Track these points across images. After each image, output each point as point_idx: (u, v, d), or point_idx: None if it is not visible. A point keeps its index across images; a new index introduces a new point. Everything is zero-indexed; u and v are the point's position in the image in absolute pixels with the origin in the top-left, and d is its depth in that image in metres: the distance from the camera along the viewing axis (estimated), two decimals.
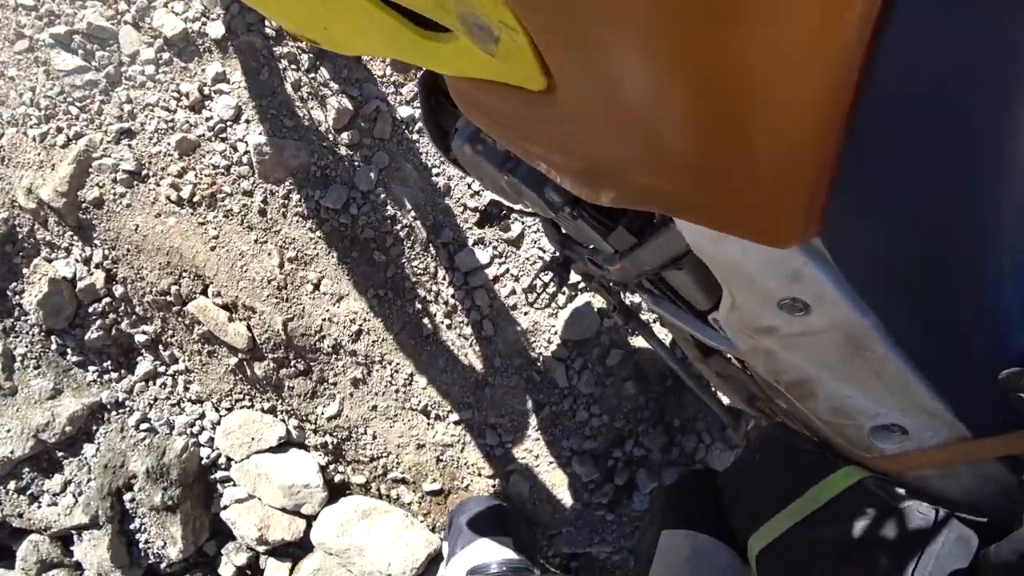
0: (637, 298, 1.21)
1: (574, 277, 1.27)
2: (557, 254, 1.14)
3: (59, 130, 1.27)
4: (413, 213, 1.26)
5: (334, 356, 1.34)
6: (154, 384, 1.45)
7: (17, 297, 1.38)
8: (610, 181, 0.49)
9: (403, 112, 1.28)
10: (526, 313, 1.33)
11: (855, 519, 0.62)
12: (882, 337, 0.48)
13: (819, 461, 0.70)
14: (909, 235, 0.41)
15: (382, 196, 1.25)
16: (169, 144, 1.26)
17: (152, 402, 1.47)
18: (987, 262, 0.42)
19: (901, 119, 0.33)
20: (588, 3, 0.34)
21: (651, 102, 0.37)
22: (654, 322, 1.20)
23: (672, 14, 0.31)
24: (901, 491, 0.62)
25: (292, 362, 1.36)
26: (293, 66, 1.27)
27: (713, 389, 1.13)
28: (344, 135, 1.25)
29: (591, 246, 0.90)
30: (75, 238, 1.32)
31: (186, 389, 1.45)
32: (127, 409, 1.47)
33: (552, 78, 0.42)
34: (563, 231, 1.00)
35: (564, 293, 1.32)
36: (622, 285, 1.00)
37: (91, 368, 1.44)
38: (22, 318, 1.40)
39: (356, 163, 1.26)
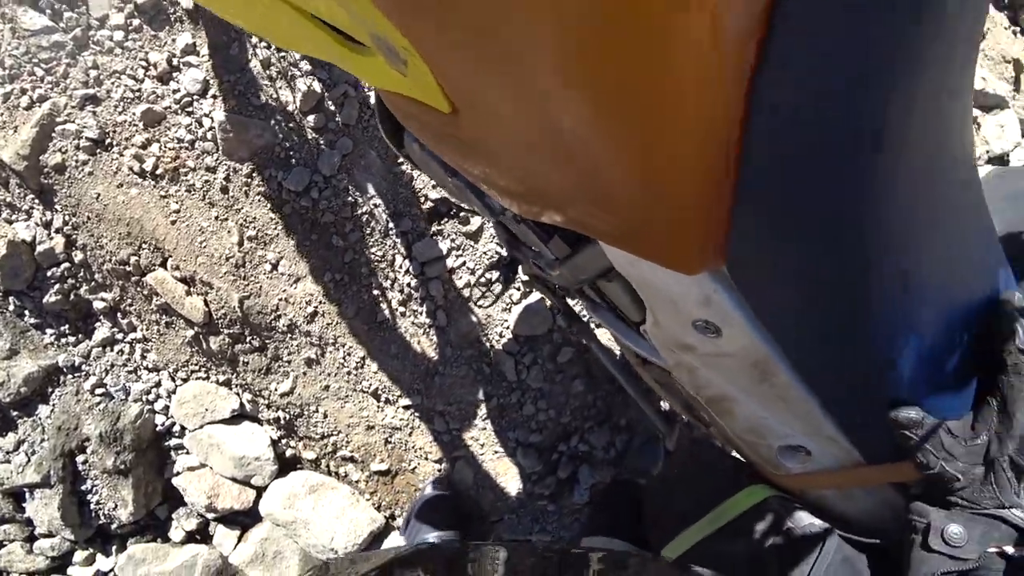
0: None
1: (523, 276, 1.30)
2: (506, 253, 1.17)
3: (23, 91, 1.27)
4: (374, 201, 1.28)
5: (289, 335, 1.36)
6: (111, 350, 1.47)
7: None
8: (528, 202, 0.52)
9: (372, 98, 1.29)
10: (480, 306, 1.36)
11: (757, 534, 0.67)
12: (784, 366, 0.51)
13: (732, 479, 0.75)
14: (802, 276, 0.44)
15: (344, 182, 1.27)
16: (134, 114, 1.26)
17: (109, 368, 1.48)
18: (879, 306, 0.45)
19: (781, 172, 0.35)
20: (478, 49, 0.36)
21: (545, 142, 0.40)
22: (598, 326, 1.24)
23: (568, 69, 0.32)
24: (802, 510, 0.66)
25: (247, 338, 1.38)
26: (263, 43, 1.27)
27: (653, 395, 1.17)
28: (310, 118, 1.25)
29: (535, 250, 0.93)
30: (36, 201, 1.32)
31: (143, 357, 1.47)
32: (83, 373, 1.48)
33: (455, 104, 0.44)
34: (512, 232, 1.03)
35: (519, 289, 1.35)
36: (565, 289, 1.03)
37: (48, 331, 1.45)
38: None
39: (321, 147, 1.27)
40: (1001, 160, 1.80)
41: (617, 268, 0.57)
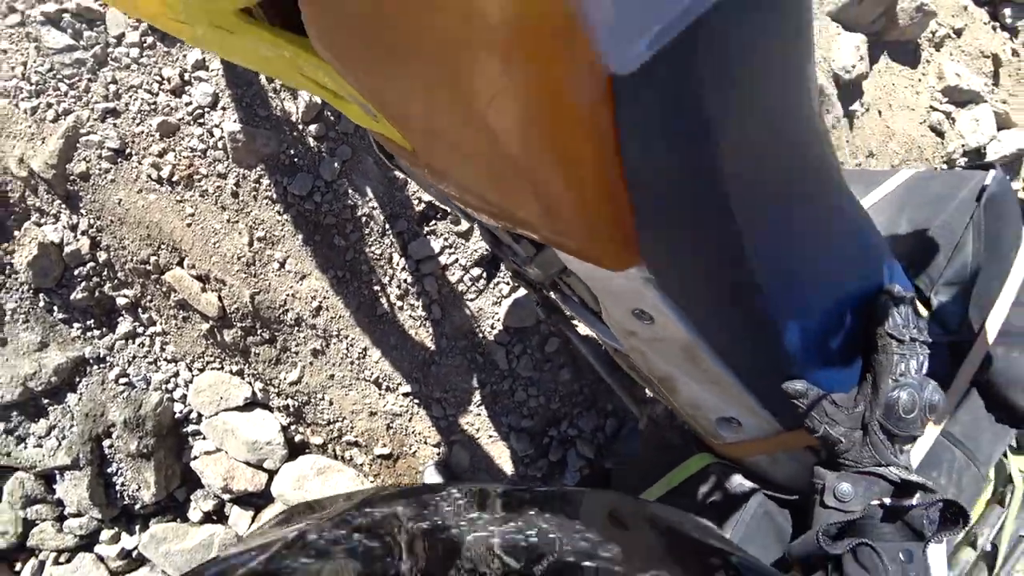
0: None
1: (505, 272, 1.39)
2: (488, 251, 1.26)
3: (49, 105, 1.37)
4: (372, 203, 1.38)
5: (296, 328, 1.47)
6: (133, 343, 1.58)
7: (8, 256, 1.50)
8: (494, 218, 0.62)
9: None
10: (472, 300, 1.46)
11: (700, 495, 0.78)
12: (705, 349, 0.61)
13: (683, 450, 0.86)
14: (699, 275, 0.53)
15: (344, 186, 1.37)
16: (151, 125, 1.36)
17: (131, 359, 1.60)
18: (767, 302, 0.54)
19: (659, 204, 0.45)
20: (436, 122, 0.46)
21: (494, 184, 0.50)
22: (574, 318, 1.33)
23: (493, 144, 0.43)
24: (737, 473, 0.77)
25: (258, 331, 1.48)
26: None
27: (628, 380, 1.27)
28: (312, 127, 1.35)
29: (512, 248, 1.03)
30: (63, 206, 1.43)
31: (162, 349, 1.58)
32: (108, 364, 1.60)
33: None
34: (493, 233, 1.13)
35: (508, 284, 1.44)
36: (541, 283, 1.13)
37: (76, 325, 1.57)
38: (12, 276, 1.52)
39: (322, 154, 1.37)
40: (977, 153, 1.86)
41: (569, 267, 0.67)
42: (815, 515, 0.58)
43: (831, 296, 0.57)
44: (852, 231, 0.59)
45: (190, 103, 1.37)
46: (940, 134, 1.79)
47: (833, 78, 1.65)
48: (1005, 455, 0.72)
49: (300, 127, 1.36)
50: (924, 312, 0.68)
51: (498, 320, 1.46)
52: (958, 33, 1.87)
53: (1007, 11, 1.95)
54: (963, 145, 1.79)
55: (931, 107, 1.79)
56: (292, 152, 1.37)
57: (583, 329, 1.30)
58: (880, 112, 1.75)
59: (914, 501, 0.51)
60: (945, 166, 1.77)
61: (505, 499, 0.47)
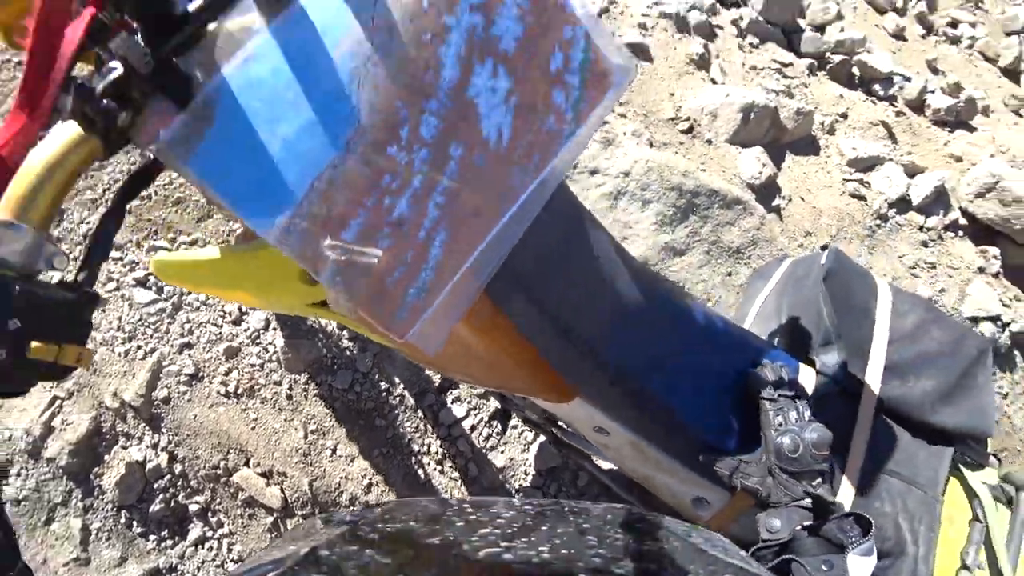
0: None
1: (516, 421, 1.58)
2: (499, 405, 1.49)
3: (138, 347, 1.69)
4: (402, 386, 1.62)
5: (351, 507, 1.63)
6: (203, 548, 1.73)
7: (97, 479, 1.72)
8: (477, 385, 0.86)
9: None
10: (502, 452, 1.63)
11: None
12: (650, 447, 0.80)
13: None
14: (612, 393, 0.75)
15: (377, 375, 1.62)
16: (218, 351, 1.66)
17: (200, 564, 1.74)
18: (664, 401, 0.75)
19: (555, 352, 0.68)
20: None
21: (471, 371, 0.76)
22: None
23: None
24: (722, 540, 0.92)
25: (318, 516, 1.64)
26: None
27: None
28: (345, 331, 1.64)
29: (512, 399, 1.26)
30: (147, 428, 1.68)
31: (229, 550, 1.73)
32: (179, 572, 1.73)
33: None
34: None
35: (531, 431, 1.62)
36: (544, 423, 1.32)
37: (151, 537, 1.73)
38: (100, 496, 1.73)
39: (356, 352, 1.64)
40: (902, 200, 2.11)
41: (547, 409, 0.89)
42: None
43: (716, 387, 0.78)
44: (716, 335, 0.82)
45: (248, 328, 1.68)
46: (861, 198, 2.07)
47: (747, 187, 1.95)
48: (960, 470, 0.83)
49: (336, 333, 1.65)
50: (813, 375, 0.86)
51: (529, 465, 1.61)
52: (844, 116, 2.24)
53: (877, 87, 2.37)
54: (886, 200, 2.05)
55: (844, 180, 2.09)
56: (332, 354, 1.64)
57: (604, 464, 1.45)
58: (803, 198, 2.03)
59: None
60: (879, 221, 2.02)
61: (516, 514, 0.47)
